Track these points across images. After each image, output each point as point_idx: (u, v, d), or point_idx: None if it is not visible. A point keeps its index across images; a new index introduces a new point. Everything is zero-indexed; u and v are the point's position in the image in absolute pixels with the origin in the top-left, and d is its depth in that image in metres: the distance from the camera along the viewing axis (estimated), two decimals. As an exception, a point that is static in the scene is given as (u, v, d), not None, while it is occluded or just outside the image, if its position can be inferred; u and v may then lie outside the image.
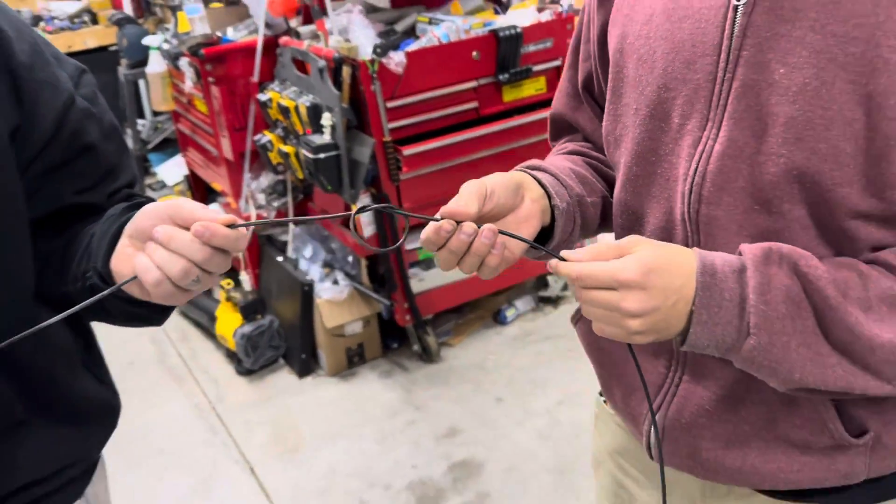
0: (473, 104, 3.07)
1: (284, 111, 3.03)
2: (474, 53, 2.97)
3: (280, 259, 3.50)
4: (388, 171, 2.93)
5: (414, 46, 2.93)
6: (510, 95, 3.12)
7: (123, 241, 0.93)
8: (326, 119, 2.88)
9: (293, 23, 3.27)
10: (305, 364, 3.36)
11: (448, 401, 3.11)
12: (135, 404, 3.25)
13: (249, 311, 3.38)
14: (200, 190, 4.35)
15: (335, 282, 3.33)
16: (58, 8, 6.10)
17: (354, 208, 1.13)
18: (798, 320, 0.83)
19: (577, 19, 1.18)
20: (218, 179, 3.84)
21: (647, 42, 0.98)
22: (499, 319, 3.57)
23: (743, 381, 0.96)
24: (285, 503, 2.68)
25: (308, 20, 3.20)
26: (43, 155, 1.01)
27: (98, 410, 1.18)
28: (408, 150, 2.92)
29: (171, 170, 4.71)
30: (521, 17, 3.15)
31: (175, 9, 3.94)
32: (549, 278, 3.64)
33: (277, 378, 3.40)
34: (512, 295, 3.64)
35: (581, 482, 2.60)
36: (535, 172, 1.04)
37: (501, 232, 0.91)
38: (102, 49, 5.70)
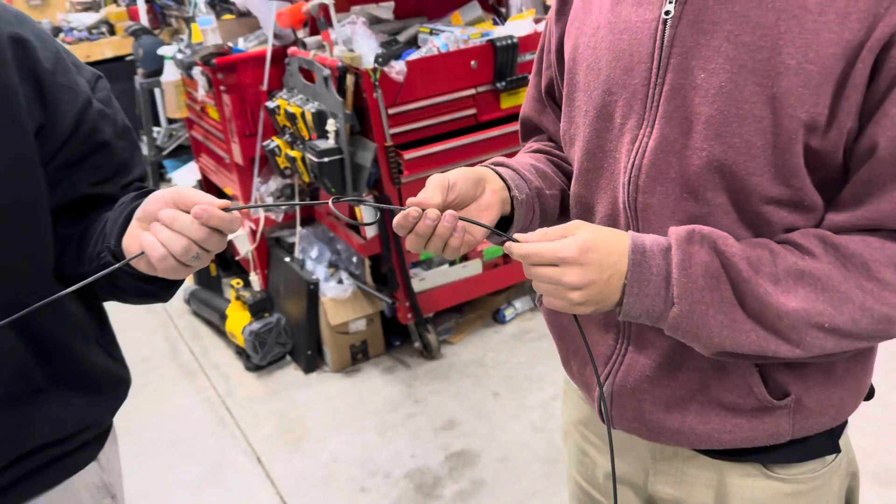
0: (472, 111, 3.21)
1: (292, 118, 3.17)
2: (473, 62, 3.11)
3: (287, 259, 3.64)
4: (389, 174, 3.07)
5: (415, 56, 3.07)
6: (507, 102, 3.25)
7: (133, 224, 1.06)
8: (331, 125, 3.02)
9: (300, 34, 3.40)
10: (311, 360, 3.49)
11: (447, 395, 3.24)
12: (149, 398, 3.41)
13: (258, 309, 3.52)
14: (212, 194, 4.48)
15: (340, 281, 3.47)
16: (77, 19, 6.29)
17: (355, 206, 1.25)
18: (716, 291, 0.95)
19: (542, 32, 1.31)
20: (229, 184, 3.99)
21: (594, 52, 1.11)
22: (498, 318, 3.70)
23: (678, 350, 1.08)
24: (290, 490, 2.82)
25: (314, 31, 3.33)
26: (63, 150, 1.14)
27: (110, 382, 1.30)
28: (409, 155, 3.06)
29: (185, 175, 4.86)
30: (518, 27, 3.28)
31: (189, 20, 4.10)
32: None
33: (284, 373, 3.54)
34: (511, 295, 3.77)
35: (572, 471, 2.71)
36: (497, 168, 1.17)
37: (462, 218, 1.04)
38: (119, 59, 5.86)
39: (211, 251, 1.02)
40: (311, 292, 3.41)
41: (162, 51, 4.33)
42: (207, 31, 3.65)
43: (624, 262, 0.97)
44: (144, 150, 4.97)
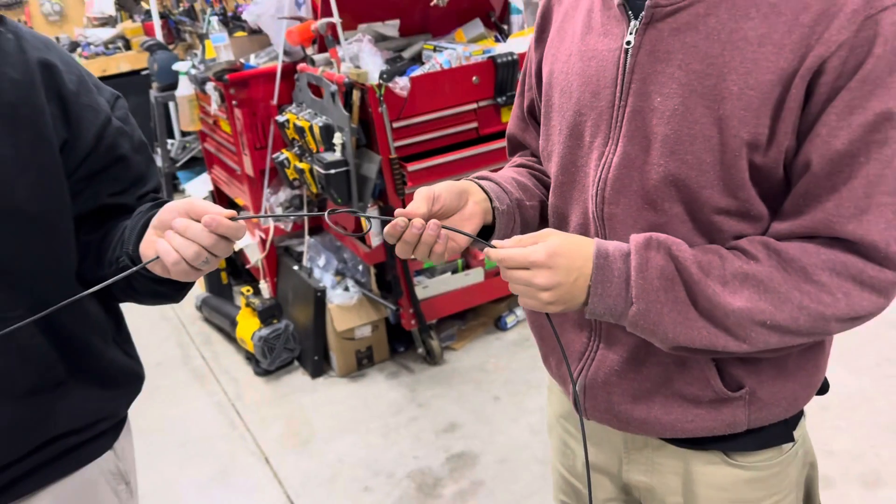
0: (473, 124, 3.33)
1: (300, 131, 3.29)
2: (474, 78, 3.23)
3: (296, 268, 3.76)
4: (394, 185, 3.18)
5: (418, 72, 3.19)
6: (508, 116, 3.35)
7: (149, 231, 1.16)
8: (338, 138, 3.14)
9: (309, 51, 3.52)
10: (318, 365, 3.61)
11: (449, 399, 3.34)
12: (161, 401, 3.53)
13: (267, 315, 3.64)
14: (224, 205, 4.61)
15: (346, 289, 3.58)
16: (94, 34, 6.43)
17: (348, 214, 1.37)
18: (670, 292, 1.06)
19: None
20: (240, 195, 4.11)
21: (566, 77, 1.22)
22: (500, 325, 3.81)
23: (643, 347, 1.19)
24: (296, 490, 2.92)
25: (322, 49, 3.45)
26: (85, 164, 1.25)
27: (125, 376, 1.40)
28: (412, 167, 3.18)
29: (198, 186, 4.98)
30: (519, 44, 3.39)
31: (202, 37, 4.22)
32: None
33: (292, 378, 3.65)
34: (512, 302, 3.88)
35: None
36: (480, 181, 1.29)
37: (445, 227, 1.15)
38: (135, 73, 5.98)
39: (219, 256, 1.13)
40: (319, 299, 3.52)
41: (177, 66, 4.44)
42: (220, 47, 3.77)
43: (589, 265, 1.07)
44: (159, 162, 5.09)
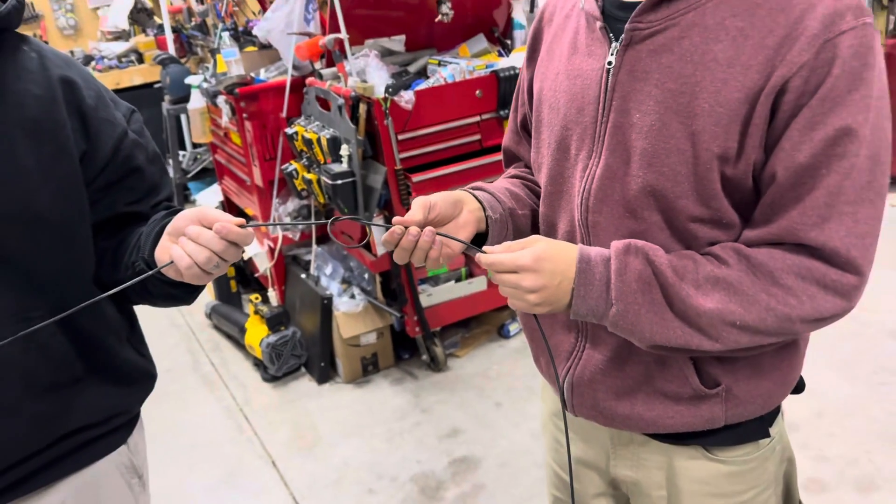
0: (476, 137, 3.41)
1: (308, 143, 3.38)
2: (478, 92, 3.31)
3: (303, 276, 3.84)
4: (398, 195, 3.26)
5: (423, 86, 3.28)
6: (510, 129, 3.44)
7: (164, 238, 1.24)
8: (345, 150, 3.22)
9: (317, 65, 3.59)
10: (324, 371, 3.69)
11: (452, 405, 3.42)
12: (171, 406, 3.62)
13: (275, 322, 3.72)
14: (234, 215, 4.67)
15: (352, 296, 3.66)
16: (107, 48, 6.53)
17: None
18: (648, 294, 1.13)
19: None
20: (250, 205, 4.19)
21: (554, 94, 1.30)
22: (503, 333, 3.88)
23: (625, 347, 1.26)
24: (302, 492, 3.00)
25: (330, 63, 3.53)
26: (102, 174, 1.33)
27: (138, 375, 1.47)
28: (417, 178, 3.26)
29: (209, 197, 5.06)
30: (521, 59, 3.46)
31: (214, 51, 4.30)
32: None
33: (299, 384, 3.73)
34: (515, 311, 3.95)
35: (567, 476, 2.88)
36: (474, 191, 1.36)
37: (439, 234, 1.23)
38: (147, 86, 6.07)
39: (229, 261, 1.21)
40: (325, 307, 3.60)
41: (188, 80, 4.51)
42: (231, 62, 3.85)
43: (572, 269, 1.15)
44: (171, 173, 5.17)
